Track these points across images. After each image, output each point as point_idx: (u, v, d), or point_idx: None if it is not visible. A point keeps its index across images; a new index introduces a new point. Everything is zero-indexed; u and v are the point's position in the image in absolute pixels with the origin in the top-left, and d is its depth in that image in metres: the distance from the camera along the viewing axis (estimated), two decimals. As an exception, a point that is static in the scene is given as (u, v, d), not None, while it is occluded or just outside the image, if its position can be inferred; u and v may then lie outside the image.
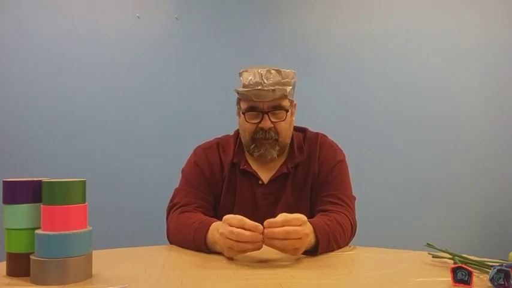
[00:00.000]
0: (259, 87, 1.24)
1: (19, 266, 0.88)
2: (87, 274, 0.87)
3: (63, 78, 2.48)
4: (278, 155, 1.33)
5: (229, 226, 1.01)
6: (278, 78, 1.27)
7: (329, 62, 2.71)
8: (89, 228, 0.88)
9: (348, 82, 2.72)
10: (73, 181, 0.87)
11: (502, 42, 2.80)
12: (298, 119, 1.42)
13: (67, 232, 0.84)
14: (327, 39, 2.72)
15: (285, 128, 1.31)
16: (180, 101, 2.59)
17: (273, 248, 1.01)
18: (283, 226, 1.00)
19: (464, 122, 2.78)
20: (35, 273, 0.84)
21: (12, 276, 0.88)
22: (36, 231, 0.85)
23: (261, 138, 1.29)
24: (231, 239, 1.00)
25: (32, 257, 0.84)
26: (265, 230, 1.00)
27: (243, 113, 1.31)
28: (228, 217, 1.04)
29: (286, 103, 1.30)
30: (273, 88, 1.25)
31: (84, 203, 0.88)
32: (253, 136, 1.30)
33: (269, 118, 1.28)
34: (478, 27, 2.80)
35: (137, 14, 2.56)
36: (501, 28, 2.81)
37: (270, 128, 1.28)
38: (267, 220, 1.01)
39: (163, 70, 2.59)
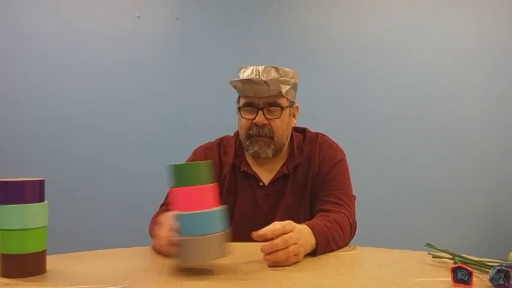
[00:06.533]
0: (255, 80, 1.24)
1: (12, 267, 0.87)
2: (224, 252, 0.91)
3: (63, 78, 2.48)
4: (274, 155, 1.32)
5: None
6: (275, 75, 1.26)
7: (329, 62, 2.71)
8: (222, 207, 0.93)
9: (348, 82, 2.72)
10: (202, 163, 0.93)
11: (502, 42, 2.80)
12: (299, 118, 1.41)
13: (206, 211, 0.88)
14: (327, 39, 2.72)
15: (281, 127, 1.30)
16: (180, 101, 2.59)
17: (277, 261, 0.96)
18: (278, 235, 0.95)
19: (464, 122, 2.78)
20: (185, 252, 0.88)
21: (6, 277, 0.87)
22: (177, 213, 0.89)
23: (255, 135, 1.29)
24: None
25: (178, 238, 0.88)
26: (263, 247, 0.95)
27: (239, 108, 1.31)
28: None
29: (283, 101, 1.29)
30: (266, 81, 1.23)
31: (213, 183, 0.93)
32: (248, 132, 1.30)
33: (264, 114, 1.28)
34: (479, 27, 2.80)
35: (137, 14, 2.56)
36: (501, 28, 2.81)
37: (264, 125, 1.28)
38: (258, 233, 0.96)
39: (163, 70, 2.59)
